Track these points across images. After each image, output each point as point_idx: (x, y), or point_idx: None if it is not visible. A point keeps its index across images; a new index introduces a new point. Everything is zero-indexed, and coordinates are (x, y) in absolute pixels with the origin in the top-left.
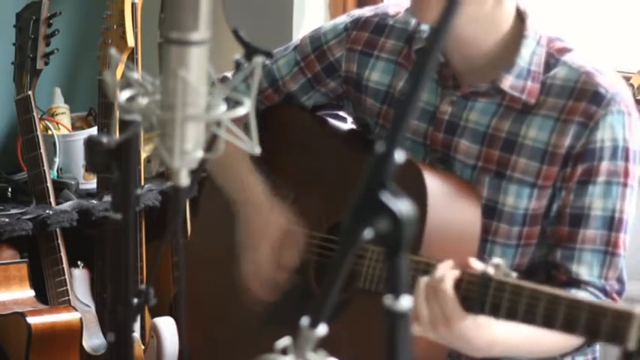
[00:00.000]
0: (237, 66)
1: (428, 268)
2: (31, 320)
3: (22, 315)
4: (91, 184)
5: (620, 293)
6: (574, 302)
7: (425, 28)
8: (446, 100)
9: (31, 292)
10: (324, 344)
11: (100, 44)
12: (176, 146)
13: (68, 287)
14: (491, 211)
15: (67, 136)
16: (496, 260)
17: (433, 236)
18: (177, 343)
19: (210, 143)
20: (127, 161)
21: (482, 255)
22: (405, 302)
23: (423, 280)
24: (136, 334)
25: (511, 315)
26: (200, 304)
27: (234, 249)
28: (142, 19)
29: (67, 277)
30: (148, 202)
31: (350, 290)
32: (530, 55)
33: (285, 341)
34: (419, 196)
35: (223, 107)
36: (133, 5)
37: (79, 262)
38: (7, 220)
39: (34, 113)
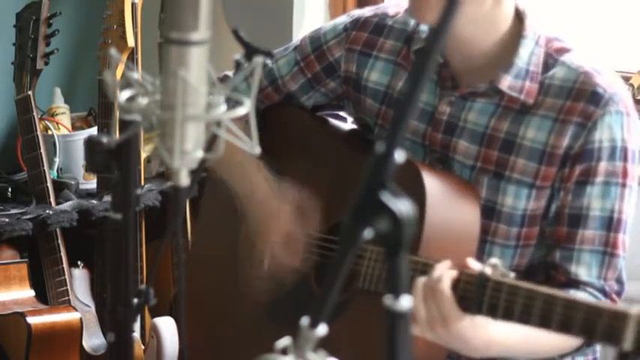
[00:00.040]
0: (237, 66)
1: (426, 269)
2: (31, 320)
3: (22, 315)
4: (91, 184)
5: (619, 294)
6: (570, 302)
7: (424, 28)
8: (444, 100)
9: (31, 292)
10: (324, 344)
11: (100, 44)
12: (176, 146)
13: (68, 287)
14: (489, 212)
15: (67, 136)
16: (493, 260)
17: (432, 236)
18: (177, 343)
19: (210, 143)
20: (127, 161)
21: (482, 255)
22: (405, 302)
23: (421, 281)
24: (136, 334)
25: (508, 315)
26: (201, 304)
27: (238, 246)
28: (142, 19)
29: (67, 277)
30: (148, 202)
31: (350, 290)
32: (528, 55)
33: (285, 341)
34: (417, 196)
35: (223, 107)
36: (133, 5)
37: (79, 262)
38: (7, 220)
39: (34, 113)
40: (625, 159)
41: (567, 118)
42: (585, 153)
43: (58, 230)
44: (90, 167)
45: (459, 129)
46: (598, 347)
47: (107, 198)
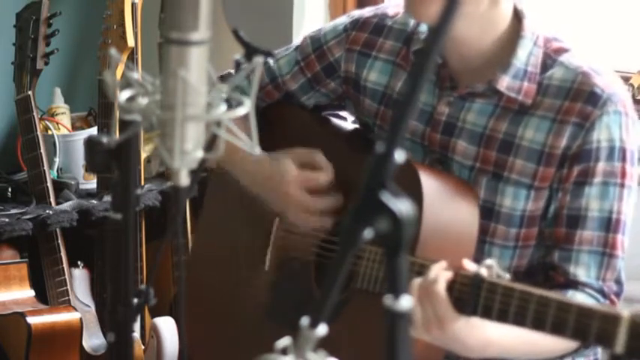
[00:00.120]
0: (237, 66)
1: (422, 270)
2: (31, 320)
3: (22, 315)
4: (91, 184)
5: (618, 295)
6: (563, 304)
7: (423, 29)
8: (443, 100)
9: (31, 292)
10: (323, 344)
11: (100, 44)
12: (176, 146)
13: (68, 287)
14: (488, 213)
15: (67, 136)
16: (489, 261)
17: (429, 237)
18: (177, 343)
19: (210, 143)
20: (127, 161)
21: (481, 256)
22: (405, 302)
23: (416, 282)
24: (136, 334)
25: (502, 317)
26: (201, 304)
27: (239, 246)
28: (142, 19)
29: (67, 277)
30: (148, 202)
31: (348, 290)
32: (526, 55)
33: (285, 341)
34: (415, 196)
35: (223, 107)
36: (133, 5)
37: (79, 262)
38: (7, 220)
39: (34, 113)
40: (623, 159)
41: (565, 118)
42: (583, 153)
43: (58, 230)
44: (90, 167)
45: (457, 129)
46: (599, 348)
47: (107, 198)
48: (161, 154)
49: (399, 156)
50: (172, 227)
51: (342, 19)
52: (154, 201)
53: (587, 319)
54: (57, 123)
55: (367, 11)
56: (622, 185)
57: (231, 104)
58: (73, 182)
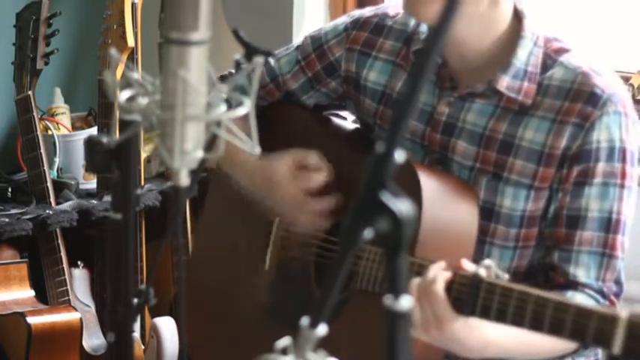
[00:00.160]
0: (237, 66)
1: (421, 270)
2: (31, 320)
3: (22, 315)
4: (91, 184)
5: (617, 295)
6: (561, 305)
7: (423, 29)
8: (443, 101)
9: (31, 292)
10: (323, 344)
11: (100, 44)
12: (176, 146)
13: (68, 287)
14: (488, 213)
15: (67, 136)
16: (487, 262)
17: (428, 237)
18: (177, 343)
19: (210, 143)
20: (127, 161)
21: (481, 257)
22: (405, 302)
23: (415, 282)
24: (136, 334)
25: (500, 317)
26: (201, 304)
27: (240, 245)
28: (142, 19)
29: (67, 277)
30: (148, 202)
31: (348, 290)
32: (526, 55)
33: (285, 341)
34: (414, 196)
35: (223, 107)
36: (133, 5)
37: (79, 262)
38: (7, 220)
39: (34, 113)
40: (623, 160)
41: (565, 118)
42: (583, 154)
43: (58, 230)
44: (90, 167)
45: (457, 129)
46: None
47: (107, 198)
48: (161, 154)
49: (399, 156)
50: (172, 227)
51: (343, 19)
52: (154, 201)
53: (584, 319)
54: (57, 123)
55: (368, 11)
56: (622, 186)
57: (231, 104)
58: (73, 182)
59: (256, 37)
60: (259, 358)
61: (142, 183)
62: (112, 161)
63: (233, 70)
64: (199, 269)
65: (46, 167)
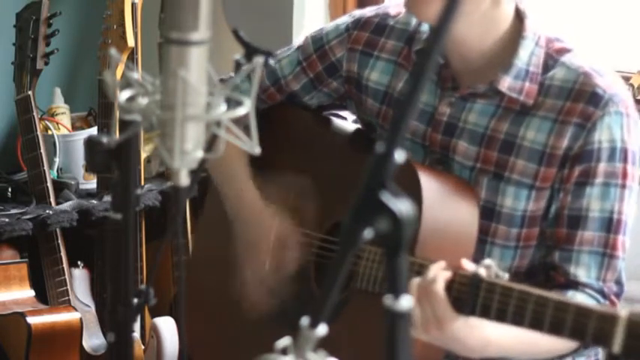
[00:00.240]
0: (237, 66)
1: (421, 269)
2: (31, 320)
3: (22, 315)
4: (91, 184)
5: (618, 295)
6: (561, 304)
7: (425, 28)
8: (444, 101)
9: (31, 292)
10: (323, 344)
11: (100, 44)
12: (176, 146)
13: (68, 287)
14: (489, 213)
15: (67, 136)
16: (487, 261)
17: (428, 237)
18: (177, 343)
19: (210, 143)
20: (127, 161)
21: (481, 256)
22: (405, 302)
23: (415, 281)
24: (136, 334)
25: (501, 316)
26: (201, 304)
27: (233, 256)
28: (142, 19)
29: (67, 277)
30: (148, 202)
31: (348, 290)
32: (528, 55)
33: (285, 341)
34: (414, 196)
35: (223, 107)
36: (133, 5)
37: (79, 262)
38: (7, 220)
39: (34, 113)
40: (625, 160)
41: (567, 119)
42: (585, 154)
43: (58, 230)
44: (90, 167)
45: (458, 130)
46: (599, 347)
47: (107, 198)
48: (161, 154)
49: (399, 156)
50: (172, 227)
51: (344, 19)
52: (154, 201)
53: (584, 318)
54: (57, 123)
55: (369, 11)
56: (623, 186)
57: (231, 104)
58: (73, 182)
59: (256, 37)
60: (259, 358)
61: (142, 183)
62: (112, 161)
63: (233, 74)
64: (199, 269)
65: (46, 167)
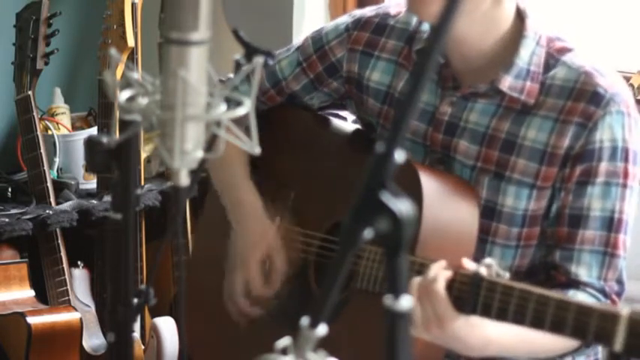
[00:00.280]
0: (237, 66)
1: (422, 269)
2: (31, 320)
3: (22, 315)
4: (91, 184)
5: (619, 294)
6: (562, 303)
7: (425, 28)
8: (446, 100)
9: (31, 292)
10: (323, 344)
11: (100, 44)
12: (176, 146)
13: (68, 287)
14: (490, 212)
15: (67, 136)
16: (488, 260)
17: (429, 237)
18: (177, 343)
19: (210, 143)
20: (127, 161)
21: (482, 256)
22: (405, 302)
23: (416, 281)
24: (136, 334)
25: (502, 315)
26: (201, 304)
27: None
28: (142, 19)
29: (67, 277)
30: (148, 202)
31: (347, 290)
32: (529, 55)
33: (285, 341)
34: (415, 196)
35: (223, 107)
36: (133, 5)
37: (79, 262)
38: (7, 220)
39: (34, 113)
40: (626, 159)
41: (568, 118)
42: (586, 153)
43: (58, 230)
44: (90, 167)
45: (459, 129)
46: (600, 347)
47: (107, 198)
48: (161, 154)
49: (399, 156)
50: (172, 227)
51: (344, 19)
52: (154, 201)
53: (585, 317)
54: (57, 123)
55: (369, 10)
56: (624, 185)
57: (231, 104)
58: (73, 182)
59: (256, 37)
60: (259, 358)
61: (142, 183)
62: (112, 161)
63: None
64: (199, 269)
65: (46, 167)
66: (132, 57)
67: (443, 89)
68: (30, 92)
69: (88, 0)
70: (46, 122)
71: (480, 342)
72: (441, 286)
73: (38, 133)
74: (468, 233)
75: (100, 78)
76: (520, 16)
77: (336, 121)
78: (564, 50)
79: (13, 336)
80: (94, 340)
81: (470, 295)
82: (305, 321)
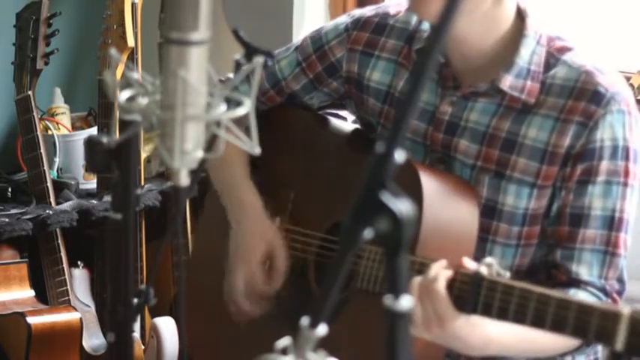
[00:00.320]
0: (237, 66)
1: (422, 268)
2: (31, 320)
3: (22, 315)
4: (91, 184)
5: (620, 293)
6: (563, 302)
7: (425, 27)
8: (446, 100)
9: (31, 292)
10: (323, 344)
11: (100, 44)
12: (176, 146)
13: (68, 287)
14: (490, 211)
15: (67, 136)
16: (488, 260)
17: (429, 236)
18: (177, 343)
19: (210, 143)
20: (127, 161)
21: (483, 255)
22: (405, 302)
23: (416, 280)
24: (136, 334)
25: (502, 315)
26: (201, 304)
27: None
28: (142, 19)
29: (67, 277)
30: (148, 202)
31: (348, 290)
32: (530, 54)
33: (285, 341)
34: (415, 196)
35: (223, 107)
36: (133, 5)
37: (79, 262)
38: (7, 220)
39: (34, 113)
40: (627, 158)
41: (569, 117)
42: (587, 152)
43: (58, 230)
44: (90, 167)
45: (460, 128)
46: (599, 346)
47: (107, 198)
48: (161, 154)
49: (399, 156)
50: (172, 227)
51: (343, 19)
52: (154, 201)
53: (586, 316)
54: (57, 123)
55: (368, 10)
56: (625, 184)
57: (231, 104)
58: (73, 182)
59: (256, 37)
60: (259, 358)
61: (142, 183)
62: (112, 161)
63: (231, 75)
64: (199, 269)
65: (46, 167)
66: (132, 57)
67: (443, 89)
68: (30, 92)
69: (88, 0)
70: (46, 122)
71: (481, 341)
72: (441, 285)
73: (38, 133)
74: (468, 233)
75: (100, 78)
76: (520, 16)
77: (336, 121)
78: (565, 49)
79: (13, 336)
80: (94, 340)
81: (470, 295)
82: (305, 321)
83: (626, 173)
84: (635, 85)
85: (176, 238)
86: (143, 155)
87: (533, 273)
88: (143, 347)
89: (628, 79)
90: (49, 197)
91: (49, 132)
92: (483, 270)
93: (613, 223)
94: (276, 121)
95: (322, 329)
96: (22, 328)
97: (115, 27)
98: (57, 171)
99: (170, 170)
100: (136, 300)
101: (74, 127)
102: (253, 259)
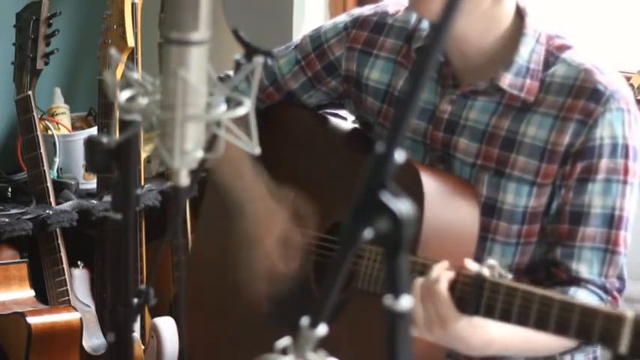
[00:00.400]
0: (237, 66)
1: (424, 269)
2: (31, 320)
3: (22, 315)
4: (91, 184)
5: (620, 291)
6: (566, 304)
7: (424, 26)
8: (445, 99)
9: (31, 292)
10: (323, 344)
11: (100, 44)
12: (176, 146)
13: (68, 287)
14: (490, 209)
15: (67, 136)
16: (491, 261)
17: (430, 237)
18: (177, 343)
19: (210, 143)
20: (127, 161)
21: (483, 254)
22: (405, 302)
23: (418, 282)
24: (136, 334)
25: (505, 317)
26: (201, 304)
27: (231, 249)
28: (142, 19)
29: (67, 277)
30: (148, 202)
31: (348, 290)
32: (529, 52)
33: (285, 341)
34: (415, 196)
35: (223, 107)
36: (133, 5)
37: (79, 262)
38: (7, 220)
39: (34, 113)
40: (626, 156)
41: (568, 115)
42: (586, 150)
43: (58, 230)
44: (90, 167)
45: (459, 127)
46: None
47: (107, 198)
48: (161, 154)
49: (399, 156)
50: (172, 227)
51: (342, 18)
52: (154, 201)
53: (590, 319)
54: (57, 123)
55: (367, 9)
56: (625, 182)
57: (231, 104)
58: (73, 182)
59: (256, 37)
60: (259, 358)
61: (142, 183)
62: (112, 161)
63: (230, 72)
64: (199, 269)
65: (46, 167)
66: (132, 57)
67: (443, 87)
68: (30, 92)
69: (88, 0)
70: (46, 122)
71: (483, 343)
72: (443, 286)
73: (38, 133)
74: (469, 233)
75: (100, 78)
76: (520, 14)
77: (335, 121)
78: (564, 48)
79: (13, 336)
80: (94, 340)
81: (472, 296)
82: (305, 321)
83: (626, 171)
84: (635, 85)
85: (176, 238)
86: (143, 155)
87: (533, 271)
88: (143, 347)
89: (628, 79)
90: (49, 197)
91: (49, 132)
92: (485, 272)
93: (613, 221)
94: (276, 120)
95: (322, 329)
96: (22, 328)
97: (115, 27)
98: (57, 171)
99: (170, 170)
100: (136, 300)
101: (74, 127)
102: (269, 235)
